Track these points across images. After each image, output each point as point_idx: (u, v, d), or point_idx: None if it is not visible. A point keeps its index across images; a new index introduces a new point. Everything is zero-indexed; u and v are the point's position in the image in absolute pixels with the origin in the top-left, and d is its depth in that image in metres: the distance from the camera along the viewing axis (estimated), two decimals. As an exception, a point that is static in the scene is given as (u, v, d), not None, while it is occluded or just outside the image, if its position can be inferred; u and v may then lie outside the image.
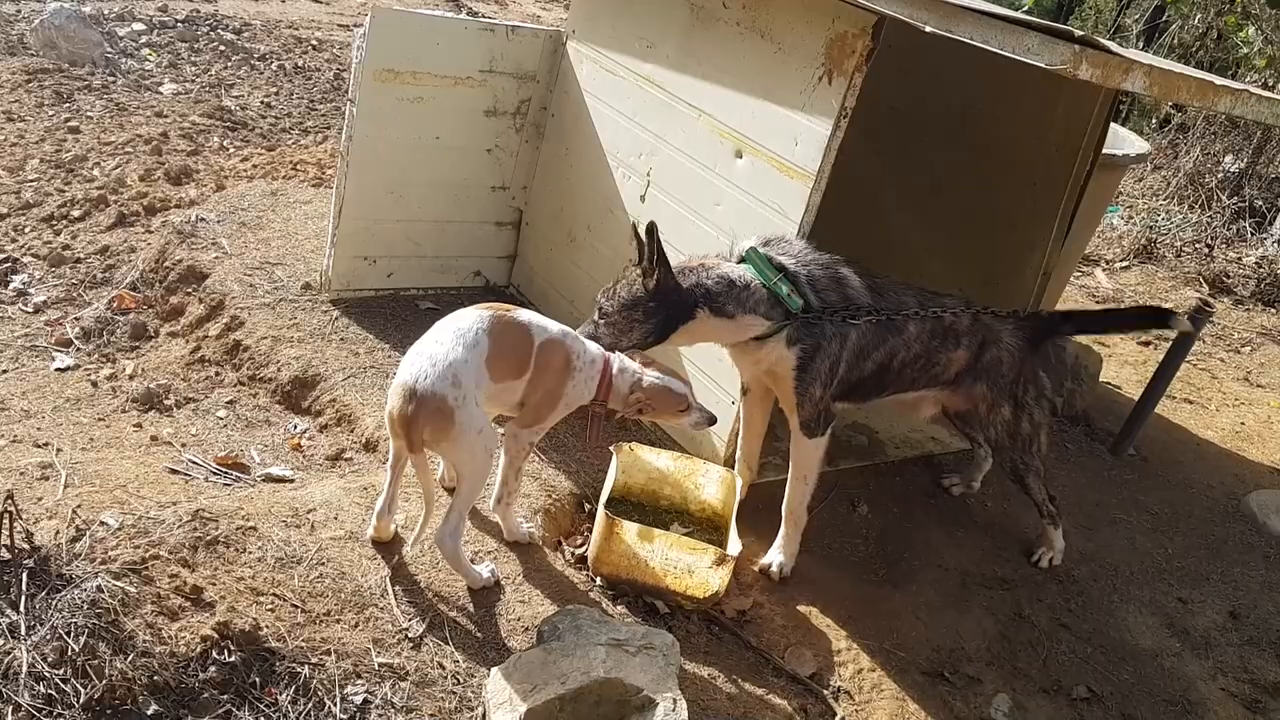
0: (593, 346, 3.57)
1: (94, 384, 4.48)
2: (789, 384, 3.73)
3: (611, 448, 4.02)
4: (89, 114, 6.90)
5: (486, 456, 3.29)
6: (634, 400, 3.53)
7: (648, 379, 3.54)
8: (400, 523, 3.57)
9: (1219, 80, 3.80)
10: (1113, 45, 3.18)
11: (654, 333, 3.56)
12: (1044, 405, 4.12)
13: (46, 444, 3.84)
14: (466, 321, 3.28)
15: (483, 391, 3.26)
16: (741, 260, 3.64)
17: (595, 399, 3.55)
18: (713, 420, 3.68)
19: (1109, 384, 6.15)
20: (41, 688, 2.48)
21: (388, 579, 3.31)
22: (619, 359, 3.57)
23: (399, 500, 3.51)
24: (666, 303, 3.49)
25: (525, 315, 3.44)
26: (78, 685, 2.50)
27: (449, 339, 3.22)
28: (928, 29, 3.13)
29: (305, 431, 4.29)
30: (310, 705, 2.79)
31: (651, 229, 3.37)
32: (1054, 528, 4.39)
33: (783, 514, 3.99)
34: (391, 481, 3.43)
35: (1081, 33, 3.00)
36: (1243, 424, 6.12)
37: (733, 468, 4.16)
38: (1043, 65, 2.96)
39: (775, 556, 4.01)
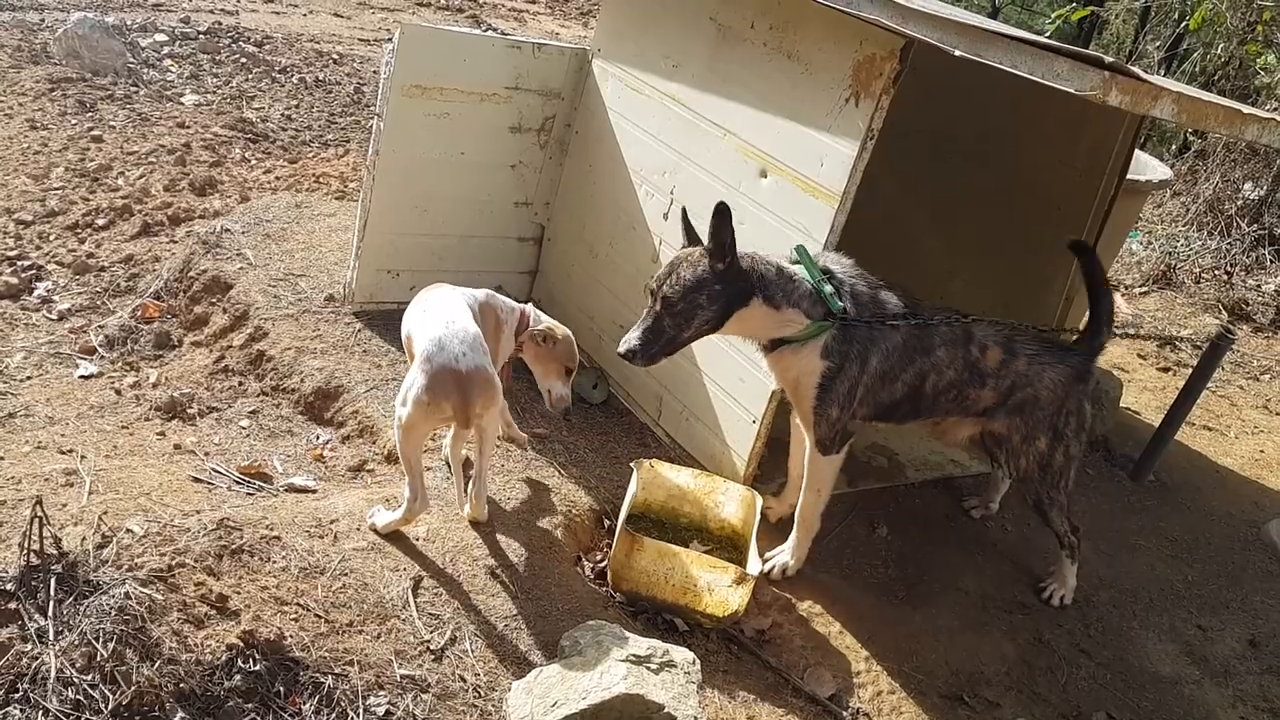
0: (508, 300, 3.91)
1: (118, 392, 4.50)
2: (809, 401, 3.74)
3: (632, 464, 4.03)
4: (112, 123, 6.95)
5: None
6: (535, 351, 3.95)
7: (554, 332, 3.94)
8: (422, 534, 3.58)
9: (1246, 108, 3.80)
10: (1141, 72, 3.19)
11: (714, 319, 3.53)
12: (1082, 439, 4.07)
13: (71, 451, 3.86)
14: (453, 295, 3.64)
15: None
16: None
17: (517, 349, 3.93)
18: (567, 411, 4.05)
19: (1129, 410, 6.14)
20: (70, 693, 2.48)
21: (410, 590, 3.32)
22: (533, 310, 3.92)
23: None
24: (729, 287, 3.48)
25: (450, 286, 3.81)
26: (106, 691, 2.51)
27: (462, 317, 3.49)
28: (957, 53, 3.14)
29: (328, 442, 4.31)
30: (333, 715, 2.80)
31: (724, 209, 3.38)
32: (1071, 562, 4.31)
33: (795, 519, 4.03)
34: (422, 473, 3.51)
35: (1111, 59, 3.01)
36: (1262, 452, 6.10)
37: (752, 487, 4.16)
38: (1072, 90, 2.96)
39: (782, 557, 4.05)
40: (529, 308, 3.96)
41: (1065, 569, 4.33)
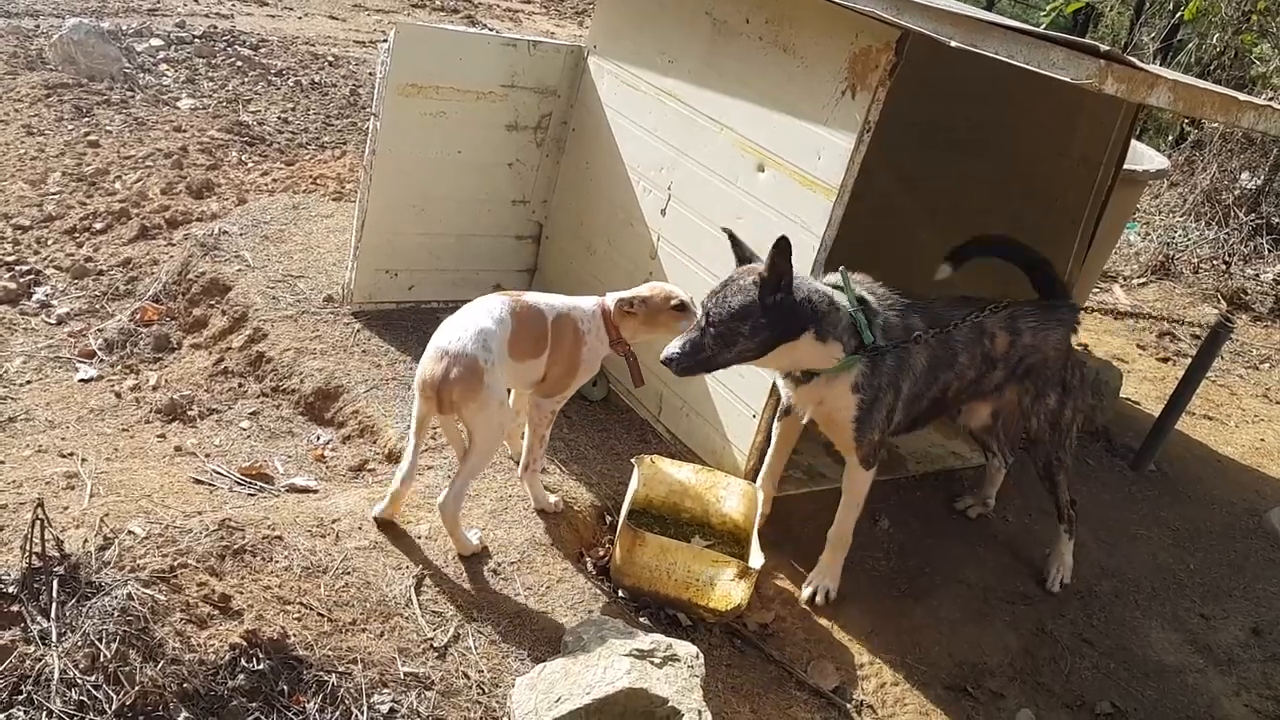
0: (587, 301, 3.76)
1: (117, 395, 4.50)
2: (848, 434, 3.74)
3: (633, 460, 4.03)
4: (108, 128, 6.94)
5: (500, 430, 3.52)
6: (639, 322, 3.71)
7: (638, 294, 3.71)
8: (424, 533, 3.59)
9: (1242, 96, 3.80)
10: (1136, 60, 3.19)
11: (756, 350, 3.47)
12: (1086, 391, 4.13)
13: (71, 454, 3.85)
14: (493, 303, 3.54)
15: (503, 366, 3.47)
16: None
17: (612, 344, 3.76)
18: None
19: (1128, 400, 6.14)
20: (73, 694, 2.48)
21: (412, 588, 3.32)
22: (611, 297, 3.75)
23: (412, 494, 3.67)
24: (778, 320, 3.42)
25: (533, 297, 3.72)
26: (109, 692, 2.51)
27: (479, 313, 3.46)
28: (953, 44, 3.14)
29: (328, 442, 4.31)
30: (338, 714, 2.80)
31: (784, 245, 3.30)
32: (1069, 537, 4.35)
33: (829, 538, 3.99)
34: (414, 457, 3.51)
35: (1107, 47, 3.01)
36: (1262, 440, 6.10)
37: (754, 481, 4.16)
38: (1068, 79, 2.96)
39: (819, 581, 4.01)
40: (607, 298, 3.75)
41: (1063, 546, 4.37)
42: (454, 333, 3.38)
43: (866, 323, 3.56)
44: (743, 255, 3.61)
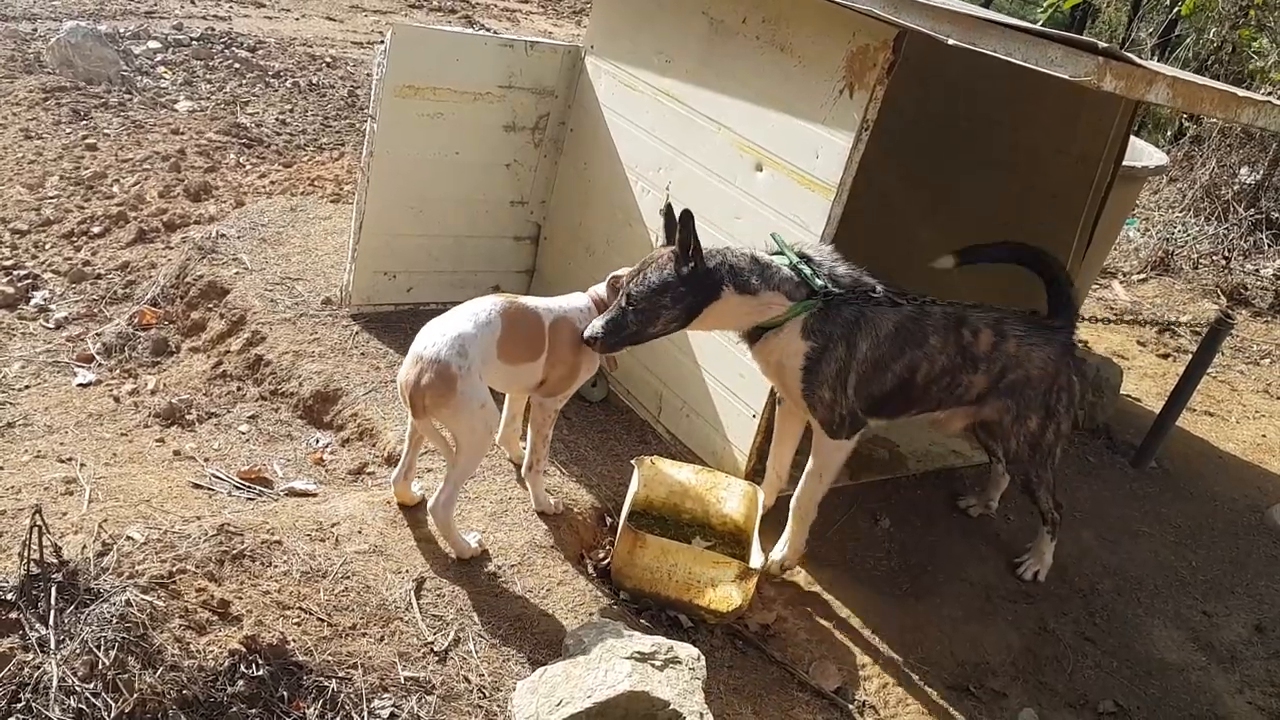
0: (579, 299, 3.78)
1: (116, 399, 4.49)
2: (796, 385, 3.70)
3: (633, 461, 4.03)
4: (106, 131, 6.94)
5: (485, 432, 3.48)
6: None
7: (624, 272, 3.68)
8: (424, 536, 3.58)
9: (1241, 92, 3.79)
10: (1135, 57, 3.18)
11: (681, 317, 3.55)
12: (1072, 415, 4.07)
13: (70, 459, 3.85)
14: (481, 305, 3.54)
15: (490, 369, 3.47)
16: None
17: None
18: None
19: (1129, 396, 6.13)
20: (72, 702, 2.48)
21: (412, 592, 3.31)
22: (597, 289, 3.78)
23: (417, 471, 3.79)
24: (695, 287, 3.49)
25: (533, 301, 3.71)
26: (108, 699, 2.50)
27: (462, 316, 3.46)
28: (950, 42, 3.13)
29: (327, 446, 4.30)
30: (338, 719, 2.79)
31: (687, 217, 3.39)
32: (1050, 538, 4.33)
33: (790, 508, 3.97)
34: (408, 450, 3.64)
35: (1105, 44, 3.00)
36: (1264, 436, 6.09)
37: (753, 481, 4.15)
38: (1067, 76, 2.95)
39: (776, 553, 4.01)
40: (593, 290, 3.80)
41: (1044, 545, 4.36)
42: (430, 338, 3.40)
43: (811, 273, 3.57)
44: (672, 234, 3.60)
